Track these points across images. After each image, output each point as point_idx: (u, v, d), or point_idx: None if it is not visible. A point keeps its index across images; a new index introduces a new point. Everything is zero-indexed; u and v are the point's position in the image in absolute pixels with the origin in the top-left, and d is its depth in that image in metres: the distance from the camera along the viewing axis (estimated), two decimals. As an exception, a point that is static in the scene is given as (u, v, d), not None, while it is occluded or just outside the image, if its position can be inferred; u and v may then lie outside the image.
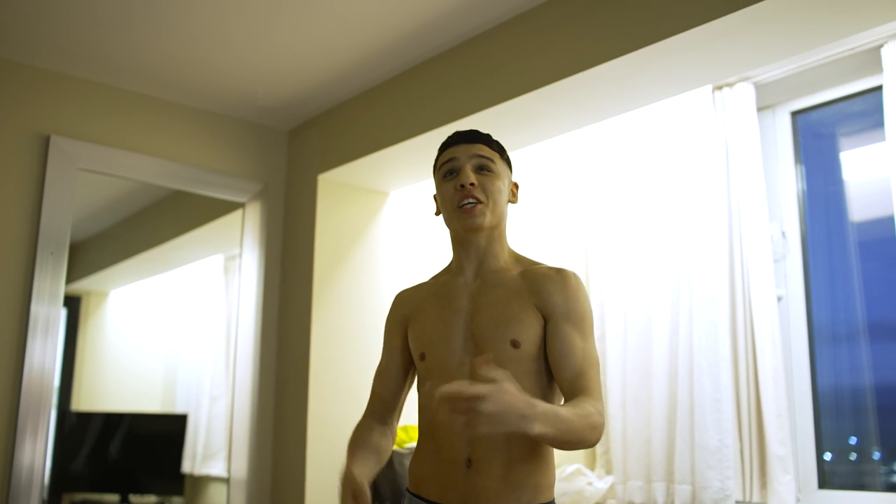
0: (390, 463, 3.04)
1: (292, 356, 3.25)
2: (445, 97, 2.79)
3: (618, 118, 3.00)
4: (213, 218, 3.49)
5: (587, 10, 2.37)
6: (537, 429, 1.32)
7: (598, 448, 3.08)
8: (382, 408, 1.77)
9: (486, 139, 1.74)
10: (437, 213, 1.78)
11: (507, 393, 1.29)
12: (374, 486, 3.14)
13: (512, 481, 1.56)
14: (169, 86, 3.12)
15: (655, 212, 3.01)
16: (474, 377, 1.57)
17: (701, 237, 2.79)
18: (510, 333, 1.58)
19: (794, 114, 2.87)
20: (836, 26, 2.10)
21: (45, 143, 2.89)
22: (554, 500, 1.63)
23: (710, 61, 2.29)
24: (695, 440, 2.69)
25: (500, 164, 1.72)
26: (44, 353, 2.77)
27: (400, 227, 3.44)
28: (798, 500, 2.63)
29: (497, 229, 1.72)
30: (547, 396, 1.62)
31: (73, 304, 3.38)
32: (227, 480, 3.23)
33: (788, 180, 2.84)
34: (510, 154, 1.83)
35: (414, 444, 3.08)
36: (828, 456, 2.68)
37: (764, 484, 2.62)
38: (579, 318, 1.61)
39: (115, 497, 3.44)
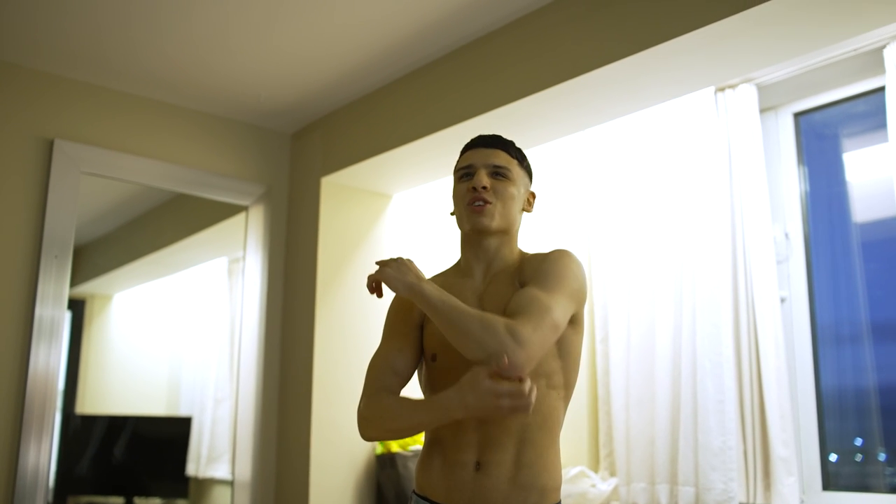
0: (394, 465, 3.04)
1: (296, 359, 3.26)
2: (448, 99, 2.79)
3: (620, 120, 2.99)
4: (216, 221, 3.50)
5: (589, 12, 2.38)
6: (426, 288, 1.54)
7: (602, 450, 3.08)
8: (398, 383, 1.69)
9: (506, 146, 1.75)
10: (452, 213, 1.80)
11: (405, 264, 1.61)
12: (378, 489, 3.14)
13: (520, 483, 1.57)
14: (172, 89, 3.13)
15: (658, 213, 3.01)
16: None
17: (704, 239, 2.79)
18: None
19: (797, 115, 2.87)
20: (838, 28, 2.10)
21: (49, 146, 2.90)
22: (560, 502, 1.64)
23: (713, 63, 2.29)
24: (698, 442, 2.69)
25: (516, 171, 1.73)
26: (48, 357, 2.78)
27: (403, 229, 3.44)
28: (802, 501, 2.63)
29: (507, 234, 1.73)
30: (551, 402, 1.63)
31: (77, 308, 3.39)
32: (231, 483, 3.24)
33: (791, 181, 2.84)
34: (514, 156, 1.83)
35: (418, 446, 3.08)
36: (833, 457, 2.67)
37: (767, 486, 2.62)
38: (543, 276, 1.62)
39: (119, 500, 3.45)
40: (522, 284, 1.65)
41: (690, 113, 2.92)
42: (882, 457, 2.59)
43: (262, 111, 3.33)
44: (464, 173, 1.73)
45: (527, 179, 1.78)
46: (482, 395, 1.40)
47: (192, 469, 3.50)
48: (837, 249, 2.77)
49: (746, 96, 2.80)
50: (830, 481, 2.65)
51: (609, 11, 2.32)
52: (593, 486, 2.95)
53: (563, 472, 2.94)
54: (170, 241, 3.57)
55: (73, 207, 2.91)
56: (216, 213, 3.45)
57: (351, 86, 3.11)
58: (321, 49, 2.81)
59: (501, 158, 1.71)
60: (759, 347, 2.66)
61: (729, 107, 2.85)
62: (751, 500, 2.65)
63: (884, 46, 2.48)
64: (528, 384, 1.39)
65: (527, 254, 1.77)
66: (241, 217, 3.41)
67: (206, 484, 3.51)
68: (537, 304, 1.53)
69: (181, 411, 3.67)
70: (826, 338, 2.74)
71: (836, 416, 2.69)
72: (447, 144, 2.85)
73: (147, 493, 3.50)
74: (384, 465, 3.07)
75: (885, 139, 2.50)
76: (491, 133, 1.80)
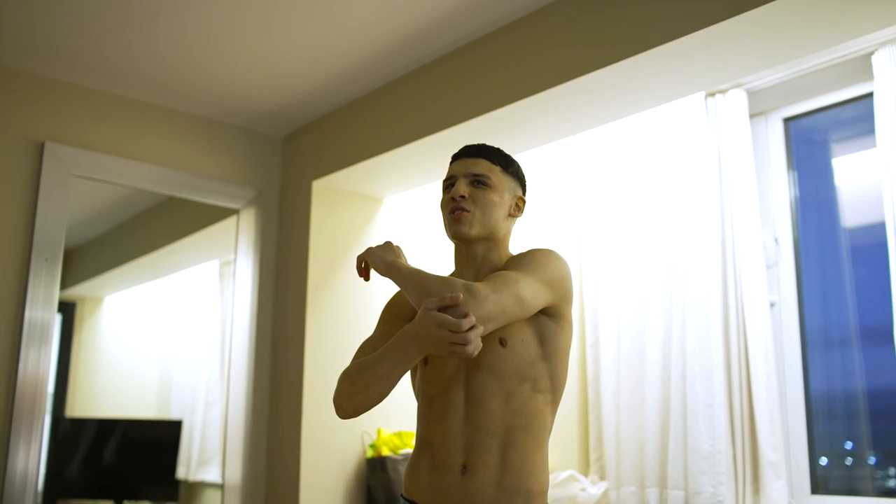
0: (384, 468, 3.04)
1: (287, 362, 3.25)
2: (439, 103, 2.80)
3: (610, 125, 3.00)
4: (207, 224, 3.50)
5: (580, 17, 2.38)
6: (401, 264, 1.65)
7: (592, 454, 3.08)
8: None
9: (489, 154, 1.77)
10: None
11: (390, 245, 1.73)
12: (368, 492, 3.14)
13: (506, 487, 1.58)
14: (163, 92, 3.13)
15: (648, 218, 3.02)
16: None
17: (694, 243, 2.80)
18: (497, 332, 1.60)
19: (787, 120, 2.88)
20: (827, 34, 2.11)
21: (40, 149, 2.89)
22: (547, 505, 1.64)
23: (703, 68, 2.30)
24: (688, 446, 2.70)
25: (498, 178, 1.75)
26: (38, 359, 2.77)
27: (394, 233, 3.44)
28: (791, 505, 2.64)
29: (492, 240, 1.75)
30: (537, 406, 1.63)
31: (67, 310, 3.38)
32: (221, 486, 3.23)
33: (781, 186, 2.85)
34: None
35: (408, 450, 3.08)
36: (823, 461, 2.68)
37: (756, 489, 2.63)
38: (517, 263, 1.67)
39: (109, 503, 3.43)
40: None
41: (680, 118, 2.94)
42: (871, 460, 2.60)
43: (254, 114, 3.33)
44: (447, 184, 1.78)
45: (514, 185, 1.79)
46: (426, 322, 1.47)
47: (182, 472, 3.50)
48: (826, 254, 2.78)
49: (736, 101, 2.81)
50: (819, 485, 2.66)
51: (599, 16, 2.33)
52: (583, 489, 2.95)
53: (553, 475, 2.94)
54: (161, 244, 3.57)
55: (63, 210, 2.90)
56: (207, 216, 3.44)
57: (342, 89, 3.11)
58: (313, 52, 2.81)
59: (482, 166, 1.74)
60: (749, 351, 2.67)
61: (719, 112, 2.86)
62: (740, 504, 2.66)
63: (872, 53, 2.50)
64: (469, 320, 1.44)
65: (514, 255, 1.78)
66: (232, 220, 3.41)
67: (196, 487, 3.51)
68: (503, 276, 1.59)
69: (172, 414, 3.66)
70: (815, 342, 2.75)
71: (825, 419, 2.70)
72: (438, 148, 2.86)
73: (137, 497, 3.48)
74: (374, 469, 3.07)
75: (874, 144, 2.52)
76: (479, 140, 1.82)
